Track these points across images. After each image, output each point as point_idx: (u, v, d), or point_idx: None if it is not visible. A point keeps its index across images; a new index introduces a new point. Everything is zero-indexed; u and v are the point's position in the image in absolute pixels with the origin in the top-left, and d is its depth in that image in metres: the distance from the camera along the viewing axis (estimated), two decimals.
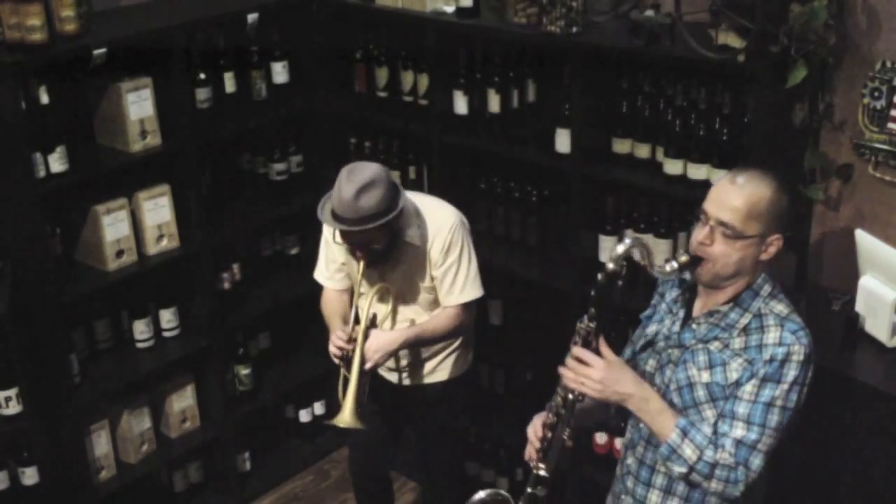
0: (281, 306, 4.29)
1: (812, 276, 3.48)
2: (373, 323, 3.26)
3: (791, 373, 2.40)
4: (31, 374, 3.53)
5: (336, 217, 3.06)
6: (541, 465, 2.64)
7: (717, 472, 2.40)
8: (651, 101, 3.46)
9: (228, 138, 4.09)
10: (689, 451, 2.41)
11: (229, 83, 3.98)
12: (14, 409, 3.48)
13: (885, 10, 3.13)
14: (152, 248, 3.83)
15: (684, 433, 2.41)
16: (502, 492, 2.81)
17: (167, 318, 4.01)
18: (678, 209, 3.44)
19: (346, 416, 3.17)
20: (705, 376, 2.48)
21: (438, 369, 3.48)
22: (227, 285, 4.20)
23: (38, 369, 3.57)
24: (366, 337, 3.20)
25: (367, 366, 3.20)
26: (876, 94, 3.17)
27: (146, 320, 3.95)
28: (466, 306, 3.33)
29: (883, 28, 3.14)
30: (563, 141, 3.59)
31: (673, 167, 3.37)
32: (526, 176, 3.87)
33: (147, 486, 4.16)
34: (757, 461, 2.41)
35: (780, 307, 2.49)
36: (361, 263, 3.18)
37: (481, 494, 2.81)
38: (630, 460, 2.69)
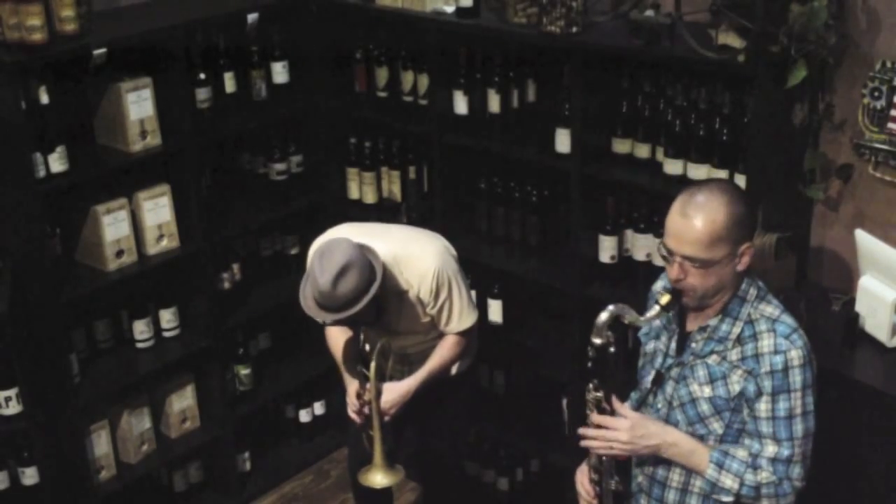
0: (281, 306, 4.29)
1: (812, 276, 3.48)
2: (381, 376, 3.30)
3: (797, 379, 2.43)
4: (31, 374, 3.52)
5: (320, 306, 3.10)
6: None
7: (763, 490, 2.47)
8: (651, 101, 3.46)
9: (228, 138, 4.09)
10: (728, 482, 2.47)
11: (229, 83, 3.97)
12: (14, 409, 3.49)
13: (885, 10, 3.12)
14: (152, 248, 3.82)
15: (720, 466, 2.47)
16: None
17: (167, 318, 4.01)
18: None
19: (378, 478, 3.24)
20: (707, 391, 2.50)
21: None
22: (227, 285, 4.20)
23: (38, 369, 3.57)
24: (378, 392, 3.26)
25: (386, 419, 3.29)
26: (876, 94, 3.17)
27: (146, 320, 3.95)
28: (467, 330, 3.38)
29: (883, 28, 3.14)
30: (563, 141, 3.59)
31: (673, 167, 3.37)
32: (526, 176, 3.87)
33: (147, 486, 4.16)
34: (797, 470, 2.47)
35: (770, 309, 2.50)
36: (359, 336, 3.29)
37: None
38: (641, 478, 2.71)
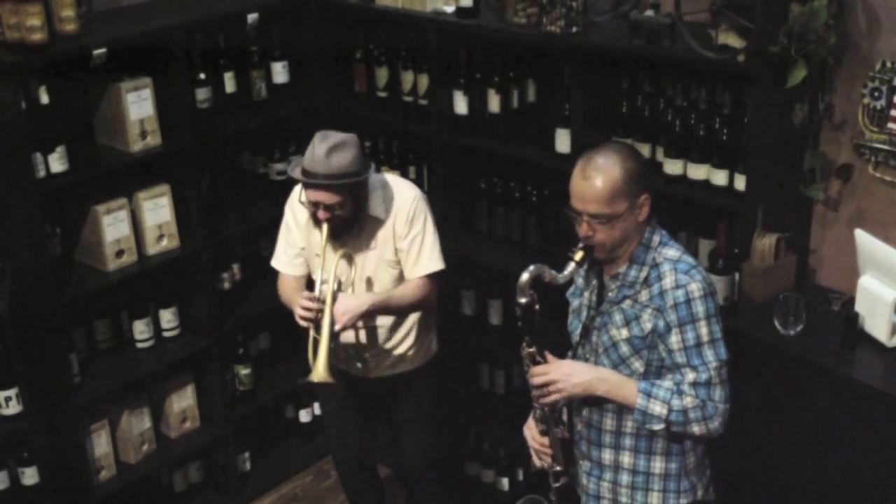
0: (281, 306, 4.28)
1: (812, 276, 3.48)
2: (338, 288, 3.28)
3: (699, 309, 2.62)
4: (31, 374, 3.53)
5: (306, 173, 3.13)
6: (554, 464, 2.90)
7: (691, 415, 2.64)
8: (651, 101, 3.45)
9: (228, 138, 4.09)
10: (657, 408, 2.64)
11: (229, 83, 3.98)
12: (14, 409, 3.49)
13: (885, 10, 3.12)
14: (152, 248, 3.83)
15: (647, 394, 2.65)
16: (536, 496, 3.09)
17: (167, 318, 4.01)
18: (678, 209, 3.43)
19: (319, 371, 3.14)
20: (624, 333, 2.70)
21: (401, 362, 3.51)
22: (227, 285, 4.20)
23: (38, 369, 3.57)
24: (333, 300, 3.20)
25: (337, 328, 3.19)
26: (876, 94, 3.17)
27: (146, 320, 3.95)
28: (431, 278, 3.38)
29: (883, 28, 3.14)
30: (563, 141, 3.59)
31: (673, 167, 3.37)
32: (526, 176, 3.87)
33: (147, 486, 4.16)
34: (718, 392, 2.65)
35: (671, 252, 2.70)
36: (325, 229, 3.19)
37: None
38: (580, 426, 2.87)
